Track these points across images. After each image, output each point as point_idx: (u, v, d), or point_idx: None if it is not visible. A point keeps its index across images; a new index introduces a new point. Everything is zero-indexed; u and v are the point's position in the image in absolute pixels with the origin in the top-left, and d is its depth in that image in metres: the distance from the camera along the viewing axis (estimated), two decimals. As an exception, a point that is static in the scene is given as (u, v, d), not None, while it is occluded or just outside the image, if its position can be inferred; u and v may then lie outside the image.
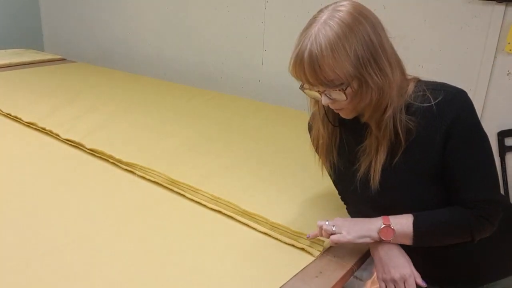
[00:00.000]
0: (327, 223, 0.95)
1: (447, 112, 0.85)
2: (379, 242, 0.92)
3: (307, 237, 1.01)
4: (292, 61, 0.85)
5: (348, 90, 0.83)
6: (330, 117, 0.98)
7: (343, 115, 0.92)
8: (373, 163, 0.91)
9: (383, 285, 0.92)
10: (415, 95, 0.88)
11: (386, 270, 0.91)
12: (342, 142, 1.00)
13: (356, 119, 0.94)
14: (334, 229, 0.93)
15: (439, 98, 0.86)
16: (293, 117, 1.97)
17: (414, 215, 0.90)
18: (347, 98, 0.84)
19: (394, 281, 0.90)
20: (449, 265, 0.97)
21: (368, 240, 0.92)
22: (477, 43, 1.75)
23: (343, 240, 0.92)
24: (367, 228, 0.92)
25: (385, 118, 0.86)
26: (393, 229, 0.90)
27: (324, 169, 1.07)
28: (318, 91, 0.86)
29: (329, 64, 0.80)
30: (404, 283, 0.90)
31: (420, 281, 0.90)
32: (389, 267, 0.90)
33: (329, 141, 1.00)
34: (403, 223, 0.90)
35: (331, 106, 0.90)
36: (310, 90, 0.88)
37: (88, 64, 3.07)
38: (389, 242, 0.92)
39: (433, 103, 0.86)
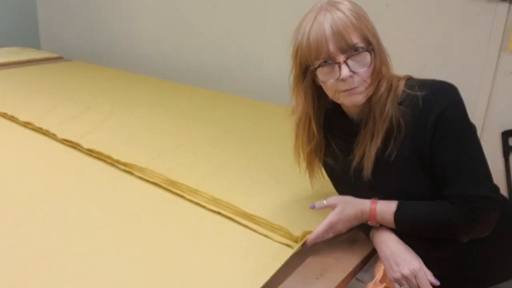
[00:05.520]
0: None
1: (433, 107, 0.85)
2: (383, 241, 0.93)
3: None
4: (305, 38, 0.86)
5: (373, 54, 0.85)
6: (320, 118, 0.99)
7: (353, 96, 0.88)
8: (366, 151, 0.91)
9: (397, 286, 0.91)
10: (405, 93, 0.89)
11: (394, 269, 0.90)
12: (329, 142, 1.02)
13: (348, 120, 0.96)
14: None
15: (425, 94, 0.86)
16: (293, 117, 1.95)
17: (397, 204, 0.92)
18: (370, 63, 0.85)
19: (404, 278, 0.89)
20: (450, 267, 0.96)
21: (356, 222, 0.97)
22: (480, 41, 1.74)
23: (335, 227, 0.99)
24: (356, 209, 0.96)
25: (388, 101, 0.88)
26: (376, 220, 0.94)
27: (314, 180, 1.09)
28: (338, 63, 0.85)
29: (354, 24, 0.83)
30: (415, 278, 0.88)
31: (431, 278, 0.88)
32: (397, 264, 0.90)
33: (318, 142, 1.01)
34: (385, 209, 0.93)
35: (345, 85, 0.86)
36: (329, 64, 0.86)
37: (85, 63, 3.05)
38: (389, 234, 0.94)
39: (420, 99, 0.86)
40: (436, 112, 0.85)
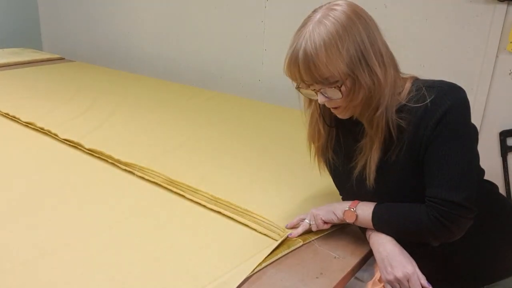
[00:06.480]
0: (307, 221, 1.05)
1: (437, 108, 0.85)
2: (380, 243, 0.93)
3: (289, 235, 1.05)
4: (287, 60, 0.87)
5: (343, 88, 0.85)
6: (327, 117, 0.99)
7: (338, 114, 0.93)
8: (368, 162, 0.92)
9: (388, 287, 0.91)
10: (411, 94, 0.89)
11: (388, 270, 0.90)
12: (338, 141, 1.02)
13: (353, 120, 0.95)
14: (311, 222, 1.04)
15: (433, 96, 0.86)
16: (293, 117, 1.96)
17: (377, 204, 0.95)
18: (342, 96, 0.86)
19: (397, 280, 0.89)
20: (449, 265, 0.97)
21: (334, 217, 1.00)
22: (478, 42, 1.75)
23: (317, 217, 1.02)
24: (334, 207, 1.01)
25: (376, 116, 0.88)
26: (356, 214, 0.96)
27: (323, 168, 1.08)
28: (314, 90, 0.88)
29: (323, 61, 0.82)
30: (408, 281, 0.89)
31: (424, 283, 0.89)
32: (391, 266, 0.90)
33: (325, 141, 1.02)
34: (365, 209, 0.95)
35: (327, 105, 0.91)
36: (306, 89, 0.89)
37: (86, 64, 3.06)
38: (366, 229, 0.98)
39: (428, 100, 0.86)
40: (438, 114, 0.85)
